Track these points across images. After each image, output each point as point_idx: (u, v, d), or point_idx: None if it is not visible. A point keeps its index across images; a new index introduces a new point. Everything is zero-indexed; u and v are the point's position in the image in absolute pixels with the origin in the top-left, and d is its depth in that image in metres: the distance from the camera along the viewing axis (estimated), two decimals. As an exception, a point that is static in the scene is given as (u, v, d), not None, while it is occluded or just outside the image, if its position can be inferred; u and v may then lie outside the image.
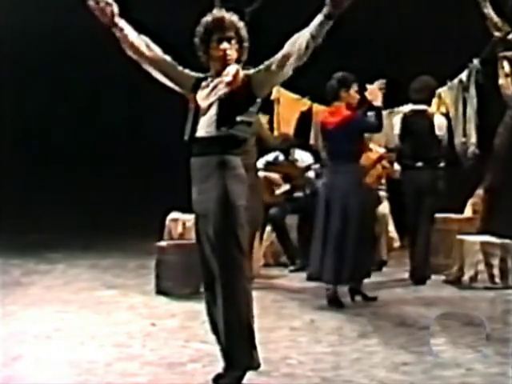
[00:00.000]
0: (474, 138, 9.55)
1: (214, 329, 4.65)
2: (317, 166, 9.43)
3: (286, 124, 10.36)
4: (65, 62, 14.05)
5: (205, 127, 4.54)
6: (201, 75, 4.72)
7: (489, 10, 9.38)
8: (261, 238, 8.75)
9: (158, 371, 4.95)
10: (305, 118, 10.43)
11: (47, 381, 4.78)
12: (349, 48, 11.64)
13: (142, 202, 12.85)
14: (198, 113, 4.59)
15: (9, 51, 12.97)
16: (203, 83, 4.66)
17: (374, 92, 6.92)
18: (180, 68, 4.75)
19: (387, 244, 9.13)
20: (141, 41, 4.66)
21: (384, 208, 9.07)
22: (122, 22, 4.63)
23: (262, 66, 4.57)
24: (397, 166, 8.81)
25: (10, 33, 12.77)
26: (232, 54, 4.61)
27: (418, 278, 8.14)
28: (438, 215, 8.55)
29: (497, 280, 7.83)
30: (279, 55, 4.51)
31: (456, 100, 9.70)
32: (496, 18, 9.39)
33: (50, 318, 6.47)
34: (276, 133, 10.19)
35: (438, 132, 8.35)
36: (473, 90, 9.59)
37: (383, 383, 4.71)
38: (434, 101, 9.10)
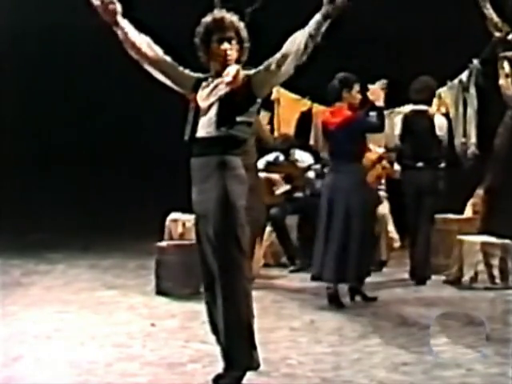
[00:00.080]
0: (474, 139, 9.54)
1: (214, 329, 4.65)
2: (317, 166, 9.44)
3: (286, 124, 10.35)
4: (65, 62, 14.06)
5: (205, 127, 4.55)
6: (201, 75, 4.73)
7: (489, 11, 9.37)
8: (261, 239, 8.74)
9: (158, 371, 4.95)
10: (305, 119, 10.43)
11: (47, 381, 4.78)
12: (349, 48, 11.65)
13: (142, 203, 12.84)
14: (198, 113, 4.59)
15: (9, 51, 12.96)
16: (203, 83, 4.67)
17: (376, 92, 6.93)
18: (180, 68, 4.75)
19: (387, 244, 9.13)
20: (142, 41, 4.66)
21: (384, 208, 9.06)
22: (123, 22, 4.63)
23: (261, 67, 4.57)
24: (397, 166, 8.82)
25: (10, 32, 12.77)
26: (232, 54, 4.61)
27: (418, 277, 8.14)
28: (438, 215, 8.56)
29: (497, 280, 7.82)
30: (278, 55, 4.51)
31: (456, 100, 9.70)
32: (496, 19, 9.38)
33: (50, 319, 6.47)
34: (276, 133, 10.18)
35: (438, 132, 8.36)
36: (473, 91, 9.58)
37: (383, 383, 4.71)
38: (434, 101, 9.10)
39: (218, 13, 4.73)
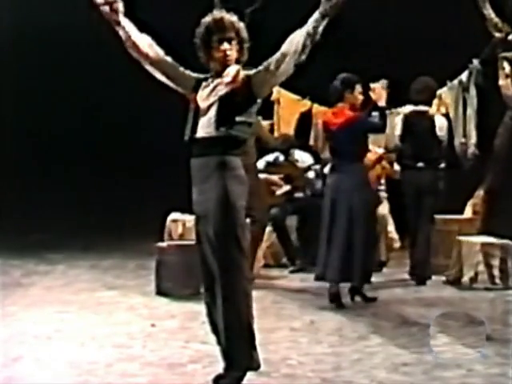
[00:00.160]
0: (474, 139, 9.54)
1: (214, 329, 4.65)
2: (317, 166, 9.44)
3: (286, 125, 10.35)
4: (65, 62, 14.06)
5: (205, 128, 4.55)
6: (201, 76, 4.73)
7: (489, 11, 9.37)
8: (261, 239, 8.74)
9: (158, 372, 4.95)
10: (305, 119, 10.43)
11: (47, 381, 4.78)
12: (349, 49, 11.66)
13: (142, 203, 12.85)
14: (198, 113, 4.59)
15: (9, 51, 12.96)
16: (204, 84, 4.66)
17: (379, 91, 6.93)
18: (181, 69, 4.75)
19: (387, 245, 9.13)
20: (143, 41, 4.67)
21: (383, 208, 9.06)
22: (125, 21, 4.64)
23: (261, 67, 4.57)
24: (396, 167, 8.82)
25: (10, 32, 12.77)
26: (232, 54, 4.61)
27: (418, 277, 8.14)
28: (438, 216, 8.56)
29: (497, 281, 7.82)
30: (277, 55, 4.52)
31: (456, 101, 9.70)
32: (496, 19, 9.38)
33: (50, 319, 6.47)
34: (276, 133, 10.19)
35: (438, 133, 8.37)
36: (473, 91, 9.59)
37: (383, 384, 4.72)
38: (435, 101, 9.10)
39: (218, 13, 4.73)
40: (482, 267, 7.85)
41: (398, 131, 8.45)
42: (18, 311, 6.75)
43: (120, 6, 4.61)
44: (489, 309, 6.91)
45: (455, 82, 9.75)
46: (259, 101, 4.65)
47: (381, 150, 8.72)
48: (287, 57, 4.48)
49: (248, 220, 7.82)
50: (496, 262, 7.85)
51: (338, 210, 6.97)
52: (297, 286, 8.11)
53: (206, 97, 4.61)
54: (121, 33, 4.65)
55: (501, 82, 9.43)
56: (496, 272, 7.83)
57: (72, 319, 6.51)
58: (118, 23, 4.63)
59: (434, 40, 11.64)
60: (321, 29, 4.46)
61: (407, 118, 8.41)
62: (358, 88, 7.12)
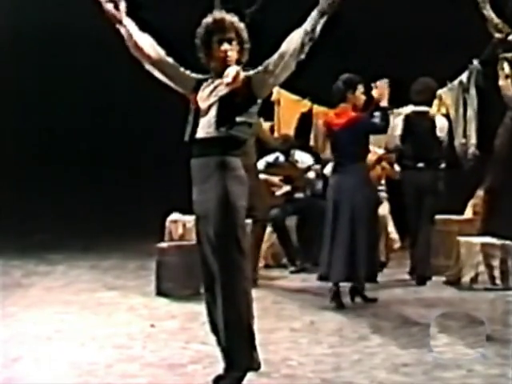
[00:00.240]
0: (474, 139, 9.55)
1: (215, 330, 4.65)
2: (317, 166, 9.45)
3: (287, 125, 10.36)
4: (65, 62, 14.05)
5: (205, 128, 4.55)
6: (202, 76, 4.73)
7: (489, 12, 9.37)
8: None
9: (158, 372, 4.95)
10: (305, 119, 10.44)
11: (47, 382, 4.77)
12: (349, 49, 11.66)
13: (143, 203, 12.85)
14: (199, 114, 4.59)
15: (8, 50, 12.96)
16: (204, 84, 4.67)
17: (382, 89, 6.94)
18: (181, 69, 4.76)
19: (387, 245, 9.13)
20: (145, 41, 4.67)
21: (383, 209, 9.06)
22: (128, 21, 4.65)
23: (261, 67, 4.57)
24: (397, 167, 8.83)
25: (10, 32, 12.77)
26: (232, 55, 4.61)
27: (418, 277, 8.15)
28: (438, 216, 8.56)
29: (497, 281, 7.83)
30: (276, 55, 4.52)
31: (456, 101, 9.70)
32: (496, 20, 9.38)
33: (50, 320, 6.47)
34: (276, 134, 10.19)
35: (439, 133, 8.38)
36: (473, 91, 9.59)
37: (384, 384, 4.72)
38: (435, 102, 9.12)
39: (218, 14, 4.74)
40: (482, 268, 7.85)
41: (398, 132, 8.46)
42: (18, 312, 6.75)
43: (123, 5, 4.63)
44: (489, 309, 6.91)
45: (455, 82, 9.75)
46: (259, 101, 4.66)
47: (381, 151, 8.73)
48: (286, 56, 4.48)
49: (250, 220, 7.88)
50: (496, 263, 7.85)
51: (341, 210, 6.98)
52: (297, 287, 8.11)
53: (206, 97, 4.61)
54: (123, 32, 4.66)
55: (501, 82, 9.44)
56: (496, 272, 7.83)
57: (72, 320, 6.51)
58: (121, 22, 4.64)
59: (434, 40, 11.65)
60: (319, 27, 4.47)
61: (408, 119, 8.42)
62: (360, 88, 7.13)
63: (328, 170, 9.03)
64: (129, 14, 4.68)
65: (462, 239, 8.17)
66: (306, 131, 10.39)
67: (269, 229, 9.11)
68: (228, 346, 4.52)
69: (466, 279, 7.91)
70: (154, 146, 13.96)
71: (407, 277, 8.33)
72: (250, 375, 4.58)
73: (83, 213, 12.87)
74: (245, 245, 4.54)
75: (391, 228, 9.19)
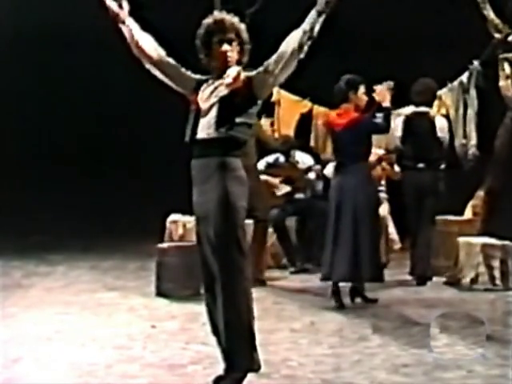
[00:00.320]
0: (474, 140, 9.54)
1: (215, 330, 4.64)
2: (317, 167, 9.44)
3: (287, 126, 10.36)
4: (65, 63, 14.04)
5: (205, 129, 4.55)
6: (202, 77, 4.73)
7: (489, 12, 9.37)
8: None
9: (158, 373, 4.95)
10: (305, 120, 10.44)
11: (47, 383, 4.78)
12: (349, 50, 11.66)
13: (143, 204, 12.83)
14: (199, 115, 4.59)
15: (9, 50, 12.96)
16: (204, 85, 4.67)
17: (383, 93, 6.96)
18: (182, 69, 4.76)
19: (387, 246, 9.13)
20: (146, 41, 4.68)
21: (384, 210, 9.06)
22: (130, 20, 4.66)
23: (261, 68, 4.58)
24: (397, 168, 8.83)
25: (10, 32, 12.77)
26: (233, 55, 4.62)
27: (419, 277, 8.15)
28: (438, 217, 8.55)
29: (497, 282, 7.82)
30: (276, 55, 4.53)
31: (456, 102, 9.70)
32: (496, 20, 9.38)
33: (50, 320, 6.47)
34: (276, 134, 10.19)
35: (439, 134, 8.38)
36: (473, 92, 9.59)
37: (384, 385, 4.72)
38: (435, 102, 9.11)
39: (219, 14, 4.74)
40: (482, 268, 7.85)
41: (398, 132, 8.46)
42: (18, 312, 6.75)
43: (125, 5, 4.64)
44: (489, 310, 6.91)
45: (455, 83, 9.75)
46: (259, 102, 4.66)
47: (381, 151, 8.73)
48: (286, 56, 4.49)
49: (251, 221, 7.89)
50: (496, 263, 7.85)
51: (343, 210, 6.99)
52: (297, 287, 8.11)
53: (206, 98, 4.61)
54: (125, 32, 4.67)
55: (501, 83, 9.44)
56: (496, 273, 7.83)
57: (72, 320, 6.51)
58: (123, 22, 4.65)
59: (434, 41, 11.65)
60: (318, 26, 4.49)
61: (408, 120, 8.42)
62: (362, 89, 7.15)
63: (328, 170, 9.04)
64: (131, 13, 4.69)
65: (462, 240, 8.16)
66: (306, 132, 10.39)
67: (269, 229, 9.10)
68: (228, 346, 4.52)
69: (466, 280, 7.91)
70: (154, 147, 13.95)
71: (407, 277, 8.32)
72: (250, 376, 4.58)
73: (83, 213, 12.86)
74: (245, 245, 4.54)
75: (391, 229, 9.19)
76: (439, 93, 9.37)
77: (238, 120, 4.51)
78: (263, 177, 9.07)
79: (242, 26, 4.69)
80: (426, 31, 11.62)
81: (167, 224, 9.24)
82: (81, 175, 14.04)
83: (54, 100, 14.33)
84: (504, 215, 9.41)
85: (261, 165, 9.24)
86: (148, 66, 4.73)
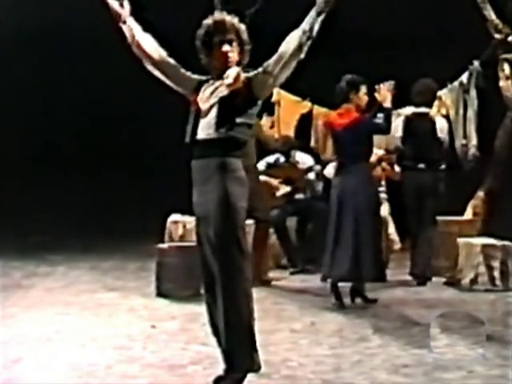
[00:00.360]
0: (474, 140, 9.54)
1: (215, 331, 4.64)
2: (318, 167, 9.44)
3: (287, 126, 10.36)
4: (65, 63, 14.05)
5: (205, 129, 4.55)
6: (202, 78, 4.73)
7: (489, 12, 9.37)
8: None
9: (158, 373, 4.95)
10: (305, 120, 10.44)
11: (47, 383, 4.77)
12: (349, 51, 11.66)
13: (143, 204, 12.84)
14: (199, 115, 4.59)
15: (9, 51, 12.96)
16: (205, 85, 4.67)
17: (384, 93, 6.97)
18: (182, 70, 4.76)
19: (388, 246, 9.12)
20: (147, 42, 4.69)
21: (384, 210, 9.05)
22: (131, 21, 4.67)
23: (260, 68, 4.58)
24: (397, 168, 8.83)
25: (10, 32, 12.77)
26: (233, 56, 4.61)
27: (419, 276, 8.15)
28: (438, 217, 8.55)
29: (497, 282, 7.82)
30: (275, 56, 4.53)
31: (456, 102, 9.70)
32: (496, 20, 9.38)
33: (50, 321, 6.47)
34: (277, 135, 10.19)
35: (439, 134, 8.38)
36: (473, 92, 9.59)
37: (384, 385, 4.72)
38: (435, 103, 9.10)
39: (219, 15, 4.74)
40: (482, 269, 7.85)
41: (399, 133, 8.46)
42: (19, 313, 6.75)
43: (127, 5, 4.64)
44: (489, 310, 6.91)
45: (455, 83, 9.75)
46: (259, 103, 4.66)
47: (381, 152, 8.73)
48: (285, 57, 4.49)
49: (251, 221, 7.90)
50: (496, 264, 7.85)
51: (344, 210, 7.01)
52: (297, 288, 8.11)
53: (206, 98, 4.61)
54: (126, 31, 4.67)
55: (501, 83, 9.44)
56: (496, 273, 7.83)
57: (72, 321, 6.51)
58: (125, 22, 4.65)
59: (434, 41, 11.65)
60: (317, 26, 4.49)
61: (408, 120, 8.42)
62: (363, 89, 7.16)
63: (328, 170, 9.04)
64: (131, 14, 4.69)
65: (462, 240, 8.16)
66: (307, 132, 10.39)
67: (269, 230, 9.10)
68: (228, 347, 4.52)
69: (466, 280, 7.91)
70: (155, 147, 13.95)
71: (407, 277, 8.32)
72: (250, 376, 4.58)
73: (83, 213, 12.87)
74: (245, 246, 4.54)
75: (391, 229, 9.18)
76: (439, 93, 9.37)
77: (238, 120, 4.52)
78: (263, 178, 9.08)
79: (243, 27, 4.69)
80: (426, 31, 11.63)
81: (167, 224, 9.23)
82: (81, 175, 14.04)
83: (54, 100, 14.34)
84: (504, 215, 9.41)
85: (261, 165, 9.24)
86: (149, 66, 4.73)
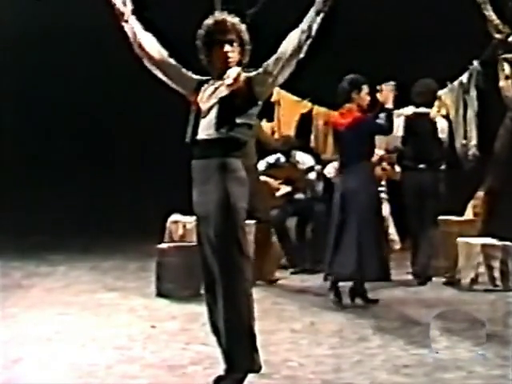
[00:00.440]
0: (474, 140, 9.54)
1: (215, 331, 4.64)
2: (318, 167, 9.45)
3: (287, 126, 10.36)
4: (65, 62, 14.04)
5: (205, 129, 4.55)
6: (203, 78, 4.73)
7: (489, 12, 9.36)
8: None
9: (158, 373, 4.95)
10: (305, 120, 10.44)
11: (48, 383, 4.77)
12: (349, 51, 11.65)
13: (143, 204, 12.84)
14: (199, 115, 4.60)
15: (9, 51, 12.96)
16: (205, 85, 4.67)
17: (386, 94, 6.98)
18: (183, 70, 4.76)
19: (387, 246, 9.11)
20: (149, 42, 4.68)
21: (384, 210, 9.04)
22: (132, 19, 4.67)
23: (260, 69, 4.58)
24: (397, 168, 8.83)
25: (11, 32, 12.77)
26: (234, 56, 4.61)
27: (420, 275, 8.15)
28: (438, 217, 8.55)
29: (497, 282, 7.82)
30: (275, 56, 4.53)
31: (456, 102, 9.70)
32: (496, 20, 9.37)
33: (50, 321, 6.47)
34: (277, 135, 10.19)
35: (440, 134, 8.38)
36: (473, 93, 9.59)
37: (384, 386, 4.72)
38: (435, 103, 9.10)
39: (219, 15, 4.74)
40: (482, 269, 7.85)
41: (399, 133, 8.46)
42: (19, 313, 6.75)
43: (129, 4, 4.65)
44: (489, 310, 6.90)
45: (456, 83, 9.74)
46: (260, 103, 4.65)
47: (381, 152, 8.73)
48: (285, 56, 4.49)
49: (252, 221, 7.90)
50: (496, 264, 7.85)
51: (347, 210, 7.02)
52: (297, 288, 8.11)
53: (207, 99, 4.61)
54: (127, 30, 4.67)
55: (501, 83, 9.43)
56: (496, 274, 7.83)
57: (72, 321, 6.51)
58: (127, 21, 4.65)
59: (434, 41, 11.65)
60: (316, 25, 4.49)
61: (408, 120, 8.43)
62: (365, 89, 7.17)
63: (328, 170, 9.04)
64: (134, 13, 4.69)
65: (463, 240, 8.16)
66: (307, 132, 10.39)
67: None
68: (229, 347, 4.52)
69: (466, 280, 7.91)
70: (155, 147, 13.94)
71: (407, 277, 8.32)
72: (250, 376, 4.58)
73: (83, 213, 12.87)
74: (245, 246, 4.54)
75: (391, 229, 9.18)
76: (439, 93, 9.37)
77: (238, 121, 4.52)
78: (263, 178, 9.08)
79: (243, 27, 4.69)
80: (425, 31, 11.62)
81: (167, 224, 9.23)
82: (81, 175, 14.04)
83: (53, 100, 14.33)
84: (504, 216, 9.41)
85: (261, 165, 9.24)
86: (149, 66, 4.73)
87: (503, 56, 9.40)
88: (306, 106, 10.43)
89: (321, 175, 9.33)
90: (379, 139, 8.29)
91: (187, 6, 9.97)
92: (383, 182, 9.17)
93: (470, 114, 9.62)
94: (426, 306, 7.07)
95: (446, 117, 9.39)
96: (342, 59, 10.35)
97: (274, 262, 8.62)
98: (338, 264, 7.01)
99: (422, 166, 8.25)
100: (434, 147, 8.32)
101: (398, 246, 9.22)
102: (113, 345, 5.66)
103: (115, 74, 12.85)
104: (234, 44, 4.62)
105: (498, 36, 9.38)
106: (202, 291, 4.77)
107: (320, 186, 9.35)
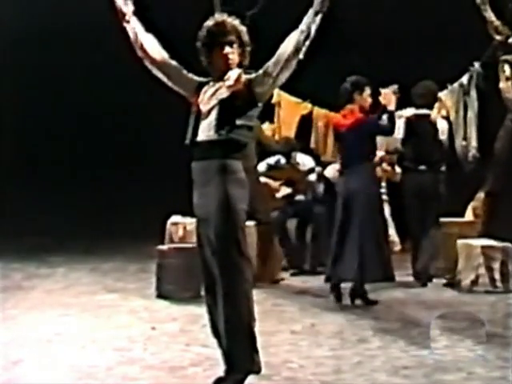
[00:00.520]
0: (474, 142, 9.55)
1: (215, 332, 4.64)
2: (318, 169, 9.44)
3: (287, 127, 10.36)
4: (65, 62, 14.04)
5: (205, 131, 4.55)
6: (203, 79, 4.73)
7: (489, 14, 9.37)
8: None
9: (158, 375, 4.95)
10: (306, 122, 10.44)
11: (48, 384, 4.78)
12: (349, 52, 11.65)
13: (143, 206, 12.84)
14: (200, 117, 4.60)
15: (9, 51, 12.96)
16: (205, 87, 4.67)
17: (388, 96, 6.99)
18: (184, 71, 4.76)
19: (387, 247, 9.10)
20: (150, 43, 4.69)
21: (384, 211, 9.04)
22: (134, 21, 4.67)
23: (261, 70, 4.58)
24: (398, 169, 8.83)
25: (10, 31, 12.77)
26: (234, 58, 4.62)
27: (423, 277, 8.15)
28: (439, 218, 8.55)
29: (498, 284, 7.81)
30: (275, 57, 4.54)
31: (457, 103, 9.70)
32: (496, 22, 9.38)
33: (50, 322, 6.47)
34: (277, 136, 10.20)
35: (440, 136, 8.39)
36: (473, 94, 9.59)
37: (384, 387, 4.72)
38: (435, 104, 9.11)
39: (220, 17, 4.74)
40: (482, 270, 7.84)
41: (399, 134, 8.46)
42: (19, 314, 6.75)
43: (130, 5, 4.66)
44: (489, 312, 6.90)
45: (456, 85, 9.75)
46: (260, 105, 4.66)
47: (381, 153, 8.72)
48: (284, 57, 4.50)
49: (253, 223, 7.90)
50: (497, 265, 7.84)
51: (349, 211, 7.03)
52: (297, 289, 8.11)
53: (207, 100, 4.61)
54: (129, 31, 4.68)
55: (501, 84, 9.43)
56: (497, 275, 7.82)
57: (72, 322, 6.51)
58: (128, 22, 4.66)
59: (434, 43, 11.65)
60: (314, 26, 4.50)
61: (409, 122, 8.43)
62: (368, 90, 7.19)
63: (328, 172, 9.04)
64: (135, 13, 4.70)
65: (463, 241, 8.15)
66: (307, 133, 10.39)
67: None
68: (229, 348, 4.52)
69: (466, 282, 7.90)
70: (155, 148, 13.94)
71: (407, 279, 8.31)
72: (250, 378, 4.58)
73: (84, 215, 12.86)
74: (245, 247, 4.54)
75: (392, 230, 9.18)
76: (440, 95, 9.37)
77: (238, 122, 4.52)
78: (263, 179, 9.08)
79: (243, 29, 4.70)
80: (426, 33, 11.62)
81: (167, 226, 9.23)
82: (81, 177, 14.03)
83: (53, 100, 14.33)
84: (504, 217, 9.40)
85: (262, 167, 9.24)
86: (150, 66, 4.74)
87: (503, 57, 9.41)
88: (306, 107, 10.43)
89: (321, 177, 9.33)
90: (380, 140, 8.31)
91: (187, 8, 9.98)
92: (383, 183, 9.17)
93: (471, 115, 9.63)
94: (426, 308, 7.07)
95: (447, 118, 9.39)
96: (343, 61, 10.37)
97: (277, 263, 8.63)
98: (340, 266, 7.01)
99: (422, 167, 8.25)
100: (434, 149, 8.32)
101: (398, 248, 9.22)
102: (113, 346, 5.66)
103: (115, 74, 12.84)
104: (234, 45, 4.62)
105: (498, 37, 9.39)
106: (203, 293, 4.78)
107: (320, 188, 9.34)
